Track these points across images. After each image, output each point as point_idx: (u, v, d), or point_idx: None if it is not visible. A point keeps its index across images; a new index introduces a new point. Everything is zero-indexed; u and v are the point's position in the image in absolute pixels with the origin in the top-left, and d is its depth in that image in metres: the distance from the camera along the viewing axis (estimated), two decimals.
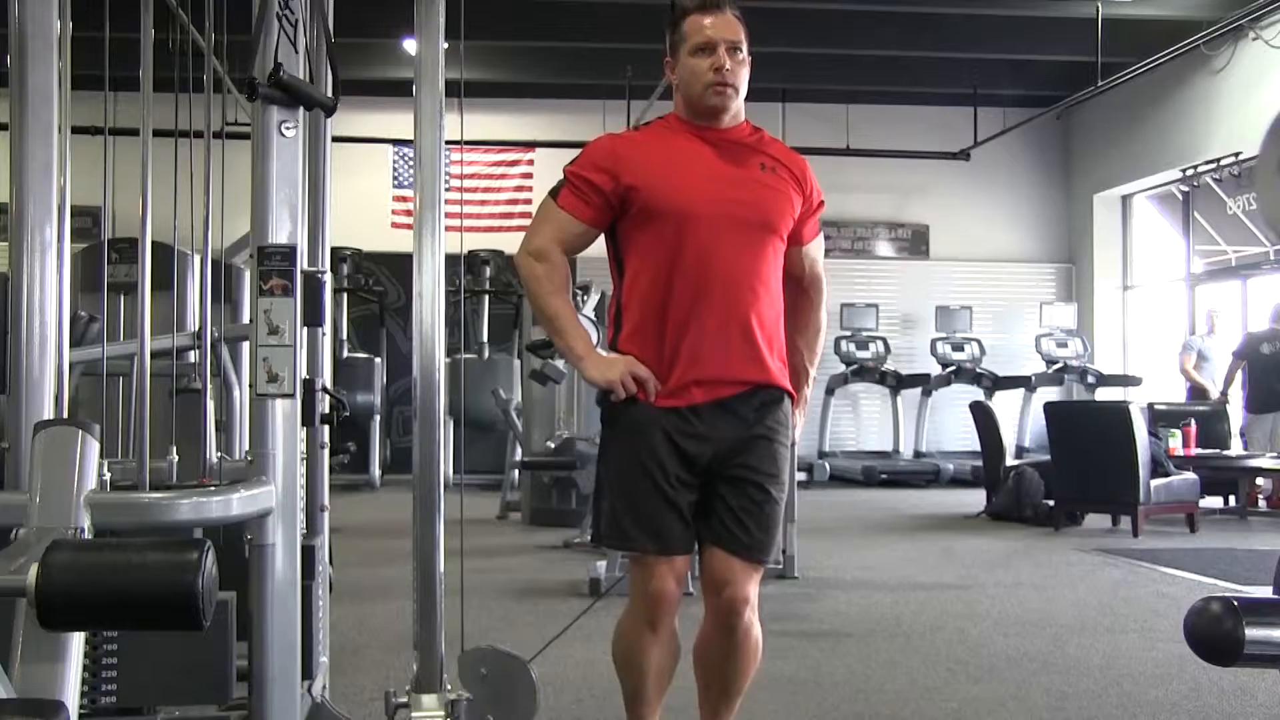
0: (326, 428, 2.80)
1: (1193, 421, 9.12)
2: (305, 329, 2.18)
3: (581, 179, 2.51)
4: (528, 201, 12.36)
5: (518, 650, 2.67)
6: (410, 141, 2.72)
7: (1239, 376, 9.94)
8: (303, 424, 2.14)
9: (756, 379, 2.50)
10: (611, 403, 2.50)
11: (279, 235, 2.10)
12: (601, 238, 2.59)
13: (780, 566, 5.69)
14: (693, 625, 2.66)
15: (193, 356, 4.07)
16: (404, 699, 2.47)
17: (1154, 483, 7.77)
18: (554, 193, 2.55)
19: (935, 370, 12.62)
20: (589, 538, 6.76)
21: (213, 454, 2.97)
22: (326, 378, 2.83)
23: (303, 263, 2.11)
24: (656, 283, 2.47)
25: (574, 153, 2.63)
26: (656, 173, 2.49)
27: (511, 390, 10.16)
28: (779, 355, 2.55)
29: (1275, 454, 8.88)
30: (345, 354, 11.46)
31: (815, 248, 2.71)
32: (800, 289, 2.70)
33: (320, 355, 2.72)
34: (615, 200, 2.50)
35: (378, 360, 11.71)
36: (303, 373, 2.13)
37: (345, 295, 11.80)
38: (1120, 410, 8.01)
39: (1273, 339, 9.67)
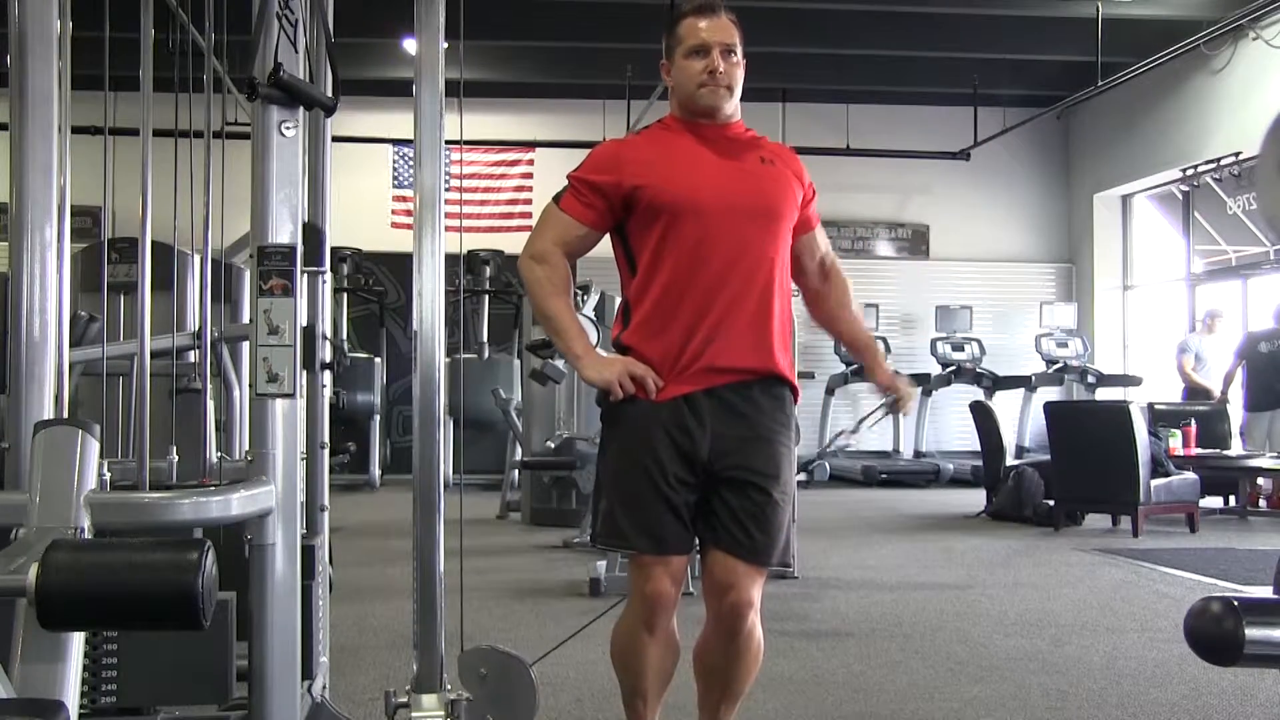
0: (327, 426, 2.80)
1: (1193, 421, 9.12)
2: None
3: (584, 183, 2.54)
4: (528, 202, 12.36)
5: (517, 650, 2.67)
6: (410, 141, 2.71)
7: (1239, 376, 9.94)
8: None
9: (762, 366, 2.51)
10: (611, 401, 2.50)
11: (279, 235, 2.10)
12: (608, 239, 2.60)
13: (790, 568, 5.64)
14: (693, 626, 2.66)
15: (193, 356, 4.08)
16: (404, 699, 2.47)
17: (1154, 483, 7.76)
18: (557, 198, 2.58)
19: (935, 370, 12.62)
20: (589, 537, 6.76)
21: (213, 454, 2.98)
22: (326, 356, 2.82)
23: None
24: (667, 275, 2.48)
25: (574, 152, 2.66)
26: (661, 170, 2.51)
27: (511, 390, 10.15)
28: (784, 346, 2.56)
29: (1275, 453, 8.88)
30: (345, 354, 11.45)
31: (823, 234, 2.76)
32: (824, 275, 2.77)
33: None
34: (619, 202, 2.51)
35: (378, 360, 11.71)
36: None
37: (345, 295, 11.80)
38: (1120, 410, 8.00)
39: (1271, 338, 9.67)
